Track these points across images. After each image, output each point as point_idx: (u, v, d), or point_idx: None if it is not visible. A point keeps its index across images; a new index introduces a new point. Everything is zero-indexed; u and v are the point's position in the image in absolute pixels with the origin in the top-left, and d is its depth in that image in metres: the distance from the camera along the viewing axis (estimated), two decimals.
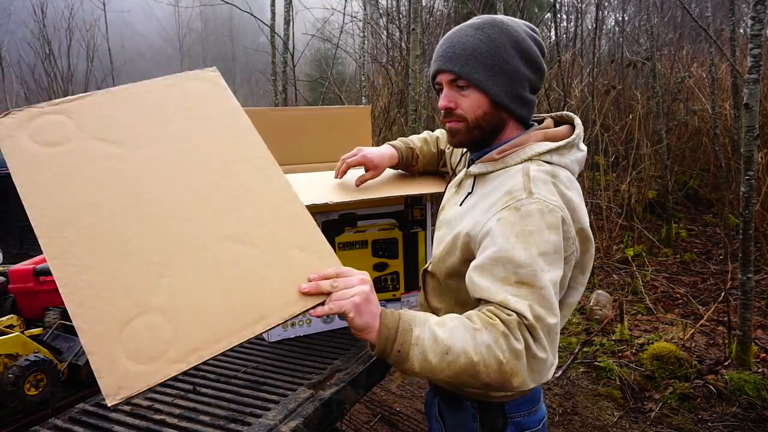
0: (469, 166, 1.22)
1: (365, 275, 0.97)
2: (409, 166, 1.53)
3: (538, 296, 0.95)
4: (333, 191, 1.52)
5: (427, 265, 1.26)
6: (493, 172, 1.13)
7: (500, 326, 0.92)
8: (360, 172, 1.52)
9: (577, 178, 1.14)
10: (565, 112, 1.22)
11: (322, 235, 1.01)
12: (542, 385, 1.11)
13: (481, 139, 1.16)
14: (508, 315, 0.93)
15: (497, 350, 0.90)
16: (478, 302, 1.02)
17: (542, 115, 1.23)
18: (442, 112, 1.15)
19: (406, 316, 0.95)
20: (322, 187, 1.53)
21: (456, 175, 1.33)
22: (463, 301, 1.12)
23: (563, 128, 1.17)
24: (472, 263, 1.03)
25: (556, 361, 0.98)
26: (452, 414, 1.22)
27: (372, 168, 1.47)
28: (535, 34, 1.13)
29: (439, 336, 0.92)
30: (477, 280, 1.00)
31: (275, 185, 1.04)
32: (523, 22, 1.15)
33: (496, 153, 1.13)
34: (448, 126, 1.16)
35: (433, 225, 1.44)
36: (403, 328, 0.93)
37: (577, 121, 1.17)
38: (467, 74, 1.08)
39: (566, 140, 1.11)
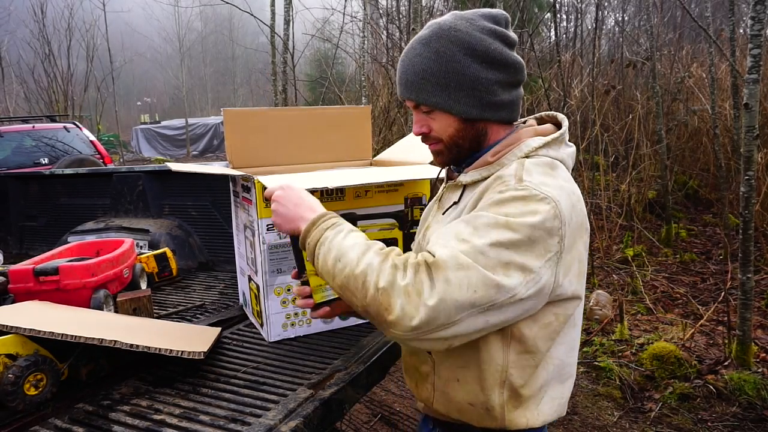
0: (448, 180, 1.16)
1: (286, 185, 1.11)
2: None
3: (473, 252, 0.87)
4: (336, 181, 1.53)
5: None
6: (488, 177, 1.04)
7: (397, 259, 0.90)
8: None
9: (574, 177, 1.10)
10: (546, 113, 1.17)
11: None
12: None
13: (466, 154, 1.10)
14: (416, 255, 0.90)
15: (380, 275, 0.88)
16: (480, 369, 1.01)
17: (525, 118, 1.19)
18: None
19: (332, 219, 1.01)
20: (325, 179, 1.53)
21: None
22: (469, 358, 1.02)
23: (548, 126, 1.12)
24: None
25: (461, 321, 0.87)
26: None
27: None
28: (494, 26, 1.03)
29: (343, 243, 0.95)
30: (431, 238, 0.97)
31: None
32: (480, 13, 1.04)
33: (490, 156, 1.06)
34: (429, 148, 1.13)
35: None
36: (321, 226, 1.00)
37: (561, 117, 1.12)
38: (424, 100, 1.04)
39: (558, 133, 1.06)
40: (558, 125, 1.12)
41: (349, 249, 0.93)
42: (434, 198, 1.25)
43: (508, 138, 1.07)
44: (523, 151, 1.03)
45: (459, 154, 1.10)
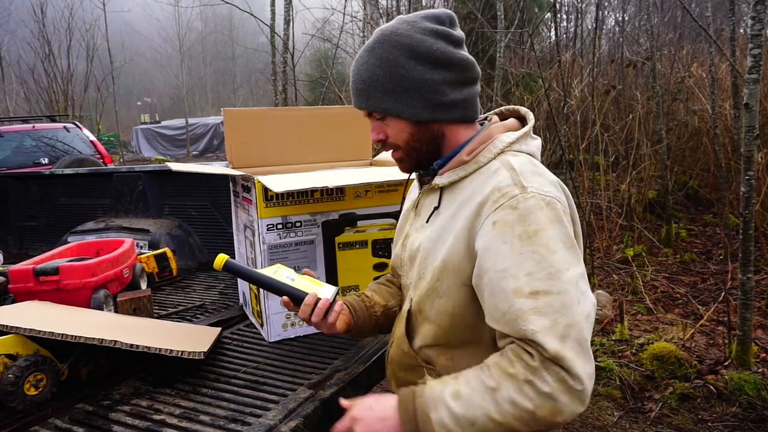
0: (422, 185, 1.15)
1: (354, 411, 0.99)
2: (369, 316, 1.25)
3: (559, 304, 0.88)
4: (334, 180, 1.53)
5: (407, 301, 1.11)
6: (465, 177, 1.03)
7: (521, 374, 0.87)
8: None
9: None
10: (506, 107, 1.16)
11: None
12: None
13: (426, 158, 1.09)
14: (530, 355, 0.88)
15: (525, 402, 0.87)
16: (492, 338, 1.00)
17: (485, 114, 1.18)
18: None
19: (420, 403, 0.93)
20: (324, 178, 1.54)
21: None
22: (470, 340, 1.03)
23: (513, 120, 1.12)
24: (483, 290, 0.95)
25: (593, 363, 0.92)
26: None
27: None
28: (437, 26, 1.02)
29: (457, 412, 0.89)
30: (492, 311, 0.93)
31: None
32: (422, 14, 1.04)
33: (465, 154, 1.04)
34: (392, 156, 1.13)
35: None
36: (422, 418, 0.92)
37: (523, 110, 1.12)
38: (374, 107, 1.04)
39: (528, 127, 1.07)
40: (519, 118, 1.13)
41: (470, 408, 0.89)
42: (407, 206, 1.23)
43: (480, 135, 1.06)
44: (498, 148, 1.02)
45: (420, 159, 1.09)
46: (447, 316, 1.02)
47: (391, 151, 1.11)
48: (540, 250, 0.89)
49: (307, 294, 1.14)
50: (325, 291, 1.17)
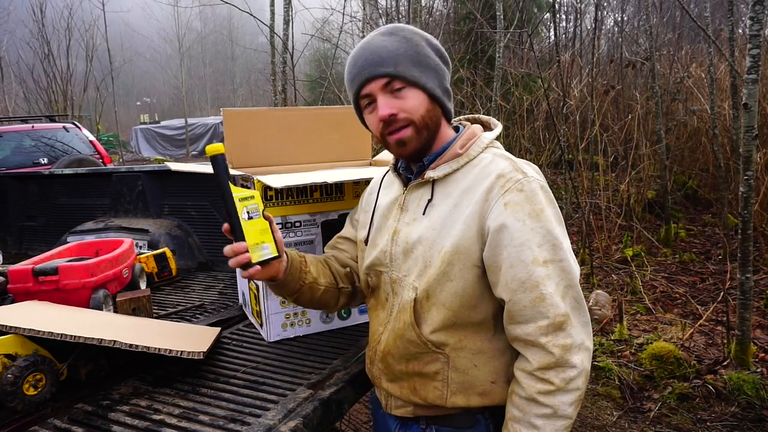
0: (407, 183, 1.19)
1: None
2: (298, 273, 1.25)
3: (561, 270, 1.03)
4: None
5: (410, 291, 1.13)
6: (458, 170, 1.11)
7: (557, 381, 1.01)
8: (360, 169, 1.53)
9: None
10: (469, 116, 1.27)
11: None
12: None
13: (428, 142, 1.13)
14: (549, 354, 1.01)
15: (576, 395, 1.02)
16: (494, 348, 1.11)
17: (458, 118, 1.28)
18: (382, 125, 1.10)
19: None
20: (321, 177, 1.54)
21: (378, 204, 1.28)
22: (480, 321, 1.11)
23: (478, 125, 1.23)
24: (501, 263, 1.04)
25: (588, 313, 1.08)
26: None
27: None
28: (430, 38, 1.18)
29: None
30: (509, 281, 1.03)
31: None
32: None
33: (458, 147, 1.12)
34: (395, 137, 1.10)
35: None
36: None
37: (485, 118, 1.25)
38: (403, 72, 1.06)
39: (499, 129, 1.20)
40: (481, 124, 1.25)
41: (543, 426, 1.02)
42: (387, 204, 1.24)
43: (466, 133, 1.17)
44: (484, 143, 1.14)
45: (425, 140, 1.11)
46: (458, 298, 1.08)
47: (397, 131, 1.10)
48: (545, 225, 1.03)
49: (244, 240, 1.08)
50: (264, 250, 1.10)
